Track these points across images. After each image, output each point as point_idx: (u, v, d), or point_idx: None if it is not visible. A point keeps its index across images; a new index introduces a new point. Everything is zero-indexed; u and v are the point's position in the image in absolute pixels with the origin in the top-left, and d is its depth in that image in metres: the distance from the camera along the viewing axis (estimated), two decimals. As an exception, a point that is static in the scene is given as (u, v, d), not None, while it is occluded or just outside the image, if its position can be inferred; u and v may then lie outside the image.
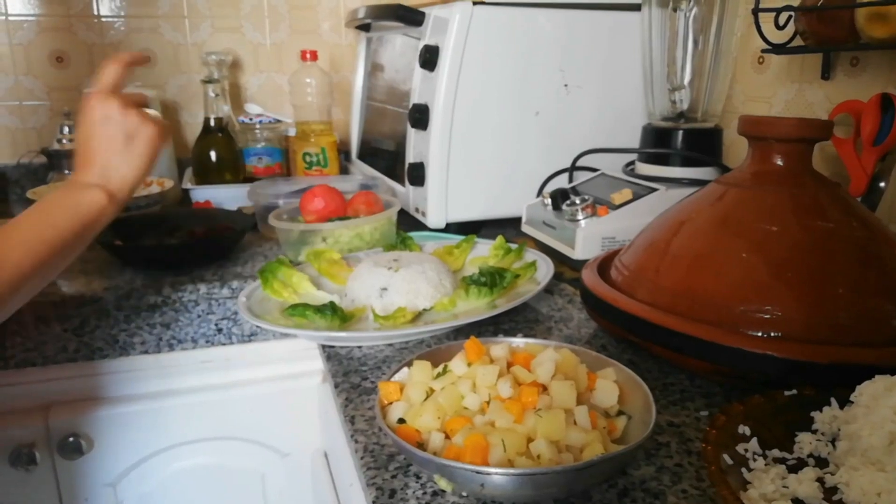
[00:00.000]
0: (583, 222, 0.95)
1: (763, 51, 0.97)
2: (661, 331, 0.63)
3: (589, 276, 0.76)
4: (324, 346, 0.74)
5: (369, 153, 1.48)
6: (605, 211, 0.96)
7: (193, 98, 1.57)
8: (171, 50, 1.55)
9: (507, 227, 1.20)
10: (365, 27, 1.45)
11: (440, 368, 0.52)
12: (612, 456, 0.42)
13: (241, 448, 1.02)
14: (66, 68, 1.49)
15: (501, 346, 0.54)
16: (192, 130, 1.57)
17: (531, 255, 0.91)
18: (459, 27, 1.05)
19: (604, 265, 0.80)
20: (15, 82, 1.46)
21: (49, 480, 0.94)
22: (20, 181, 1.47)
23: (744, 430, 0.47)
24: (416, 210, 1.17)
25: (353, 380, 0.66)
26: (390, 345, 0.73)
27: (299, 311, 0.72)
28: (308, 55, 1.39)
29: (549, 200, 1.04)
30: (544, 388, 0.49)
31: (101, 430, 0.95)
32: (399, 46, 1.32)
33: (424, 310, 0.77)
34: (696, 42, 1.03)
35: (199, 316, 0.95)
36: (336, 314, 0.72)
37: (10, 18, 1.44)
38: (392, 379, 0.54)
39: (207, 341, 0.97)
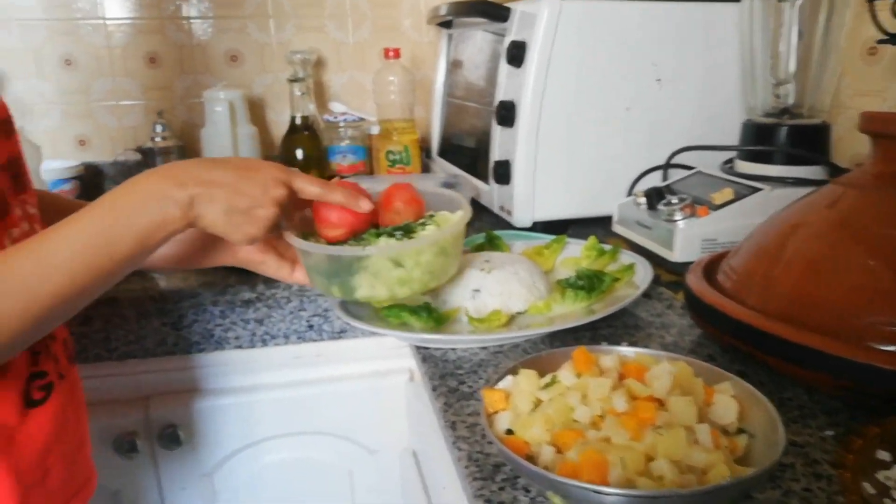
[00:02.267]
0: (681, 223, 0.92)
1: (878, 41, 0.91)
2: (778, 341, 0.59)
3: (695, 281, 0.73)
4: (418, 348, 0.73)
5: (450, 150, 1.47)
6: (704, 211, 0.92)
7: (279, 96, 1.60)
8: (257, 49, 1.58)
9: (594, 227, 1.17)
10: (446, 24, 1.44)
11: (548, 378, 0.51)
12: (744, 480, 0.40)
13: (330, 443, 1.03)
14: (159, 68, 1.55)
15: (611, 357, 0.53)
16: (278, 128, 1.61)
17: (627, 256, 0.88)
18: (548, 22, 1.02)
19: (709, 269, 0.76)
20: (113, 83, 1.52)
21: (149, 468, 0.98)
22: (116, 177, 1.54)
23: (882, 455, 0.44)
24: (502, 209, 1.15)
25: (451, 383, 0.65)
26: (484, 348, 0.72)
27: (394, 313, 0.72)
28: (391, 53, 1.40)
29: (643, 199, 1.01)
30: (661, 403, 0.47)
31: (198, 421, 0.98)
32: (480, 43, 1.30)
33: (518, 313, 0.76)
34: (801, 33, 0.97)
35: (291, 312, 0.97)
36: (431, 316, 0.71)
37: (108, 22, 1.50)
38: (496, 387, 0.53)
39: (299, 337, 0.98)
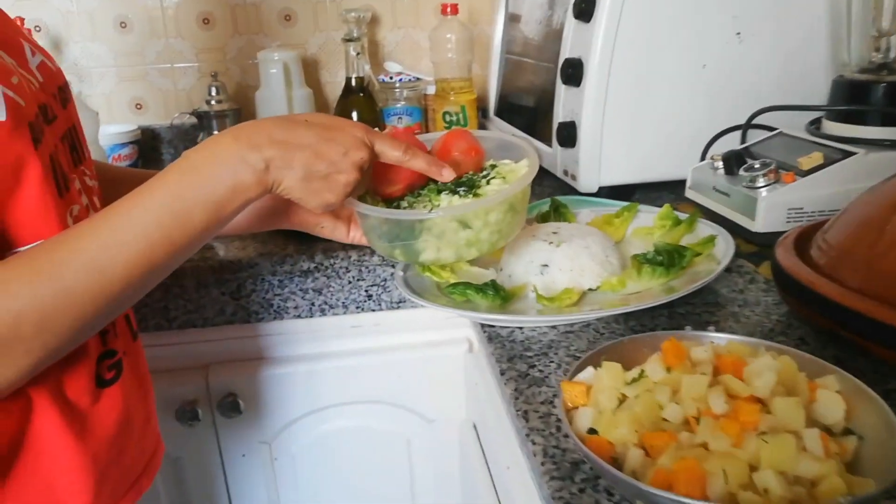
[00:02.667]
0: (764, 190, 0.85)
1: None
2: (884, 327, 0.54)
3: (785, 256, 0.67)
4: (483, 326, 0.70)
5: (507, 109, 1.41)
6: (790, 177, 0.85)
7: (333, 56, 1.56)
8: (310, 8, 1.54)
9: (662, 192, 1.11)
10: (507, -25, 1.37)
11: (635, 373, 0.47)
12: (867, 499, 0.36)
13: (387, 412, 1.02)
14: (213, 30, 1.52)
15: (705, 349, 0.48)
16: (332, 89, 1.57)
17: (705, 227, 0.82)
18: (621, -28, 0.95)
19: (800, 242, 0.70)
20: (166, 44, 1.51)
21: (210, 436, 0.98)
22: (173, 141, 1.53)
23: None
24: (566, 173, 1.10)
25: (520, 367, 0.62)
26: (554, 327, 0.68)
27: (459, 290, 0.68)
28: (448, 9, 1.33)
29: (720, 163, 0.94)
30: (763, 404, 0.42)
31: (257, 390, 0.97)
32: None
33: (590, 289, 0.71)
34: (905, -22, 0.88)
35: (349, 282, 0.95)
36: (498, 294, 0.67)
37: (162, -19, 1.48)
38: (575, 379, 0.49)
39: (357, 307, 0.96)
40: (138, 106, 1.53)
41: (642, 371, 0.47)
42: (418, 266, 0.75)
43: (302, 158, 0.56)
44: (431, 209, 0.64)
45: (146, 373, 0.70)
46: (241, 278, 0.92)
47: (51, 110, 0.58)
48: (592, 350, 0.53)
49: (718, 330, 0.57)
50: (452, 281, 0.74)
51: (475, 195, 0.65)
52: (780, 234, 0.83)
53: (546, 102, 1.17)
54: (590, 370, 0.50)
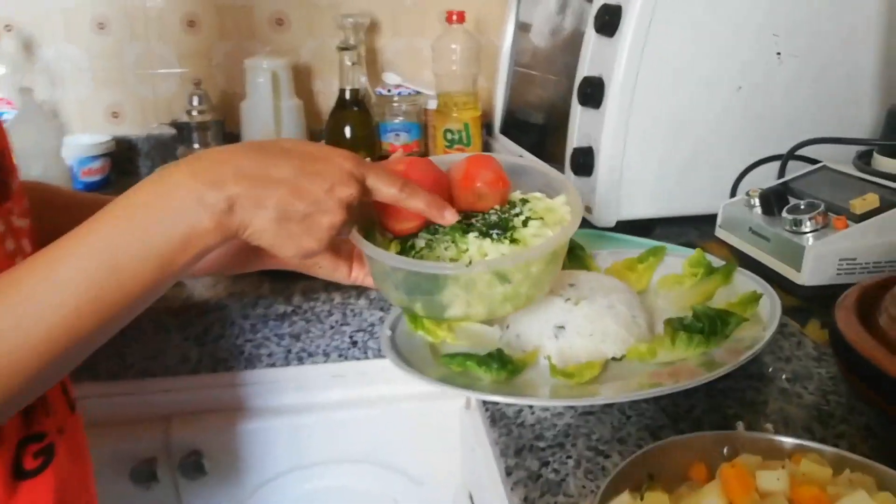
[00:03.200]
0: (811, 237, 0.74)
1: None
2: None
3: (847, 325, 0.56)
4: (485, 403, 0.58)
5: (514, 126, 1.30)
6: (842, 223, 0.73)
7: (327, 64, 1.44)
8: (304, 12, 1.42)
9: (685, 226, 1.00)
10: (518, -18, 1.26)
11: (688, 510, 0.35)
12: None
13: (372, 472, 0.90)
14: (198, 33, 1.40)
15: (778, 477, 0.36)
16: (325, 100, 1.45)
17: (745, 279, 0.70)
18: (650, -18, 0.83)
19: (863, 304, 0.59)
20: (146, 48, 1.39)
21: (171, 499, 0.86)
22: (150, 153, 1.41)
23: None
24: (580, 204, 0.98)
25: (530, 463, 0.50)
26: (572, 407, 0.56)
27: (458, 361, 0.56)
28: (454, 17, 1.22)
29: (756, 200, 0.83)
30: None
31: (224, 447, 0.85)
32: (556, 4, 1.12)
33: (614, 359, 0.60)
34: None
35: (331, 327, 0.83)
36: (504, 368, 0.56)
37: (144, -20, 1.36)
38: (608, 508, 0.37)
39: (340, 355, 0.85)
40: (114, 114, 1.41)
41: (698, 510, 0.35)
42: (409, 320, 0.63)
43: (276, 196, 0.46)
44: (460, 255, 0.53)
45: (86, 452, 0.58)
46: (208, 322, 0.80)
47: None
48: (623, 460, 0.42)
49: (770, 414, 0.46)
50: (450, 340, 0.62)
51: (512, 240, 0.54)
52: (827, 287, 0.73)
53: (555, 119, 1.06)
54: (625, 497, 0.38)
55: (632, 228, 0.95)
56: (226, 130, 1.31)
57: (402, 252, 0.55)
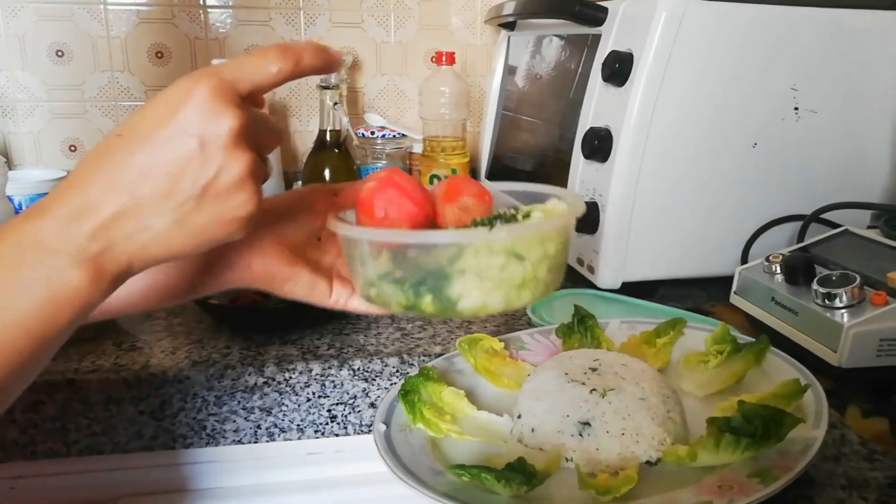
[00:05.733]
0: (846, 313, 0.67)
1: None
2: None
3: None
4: (499, 515, 0.49)
5: (501, 173, 1.23)
6: (881, 299, 0.66)
7: (305, 102, 1.36)
8: (282, 46, 1.35)
9: (690, 288, 0.93)
10: (508, 24, 1.20)
11: None
12: None
13: (349, 563, 0.79)
14: (166, 65, 1.31)
15: None
16: (303, 140, 1.37)
17: (772, 357, 0.63)
18: (666, 29, 0.77)
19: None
20: (110, 79, 1.29)
21: None
22: (112, 191, 1.31)
23: None
24: (581, 262, 0.91)
25: None
26: (602, 521, 0.48)
27: (473, 473, 0.47)
28: (443, 58, 1.15)
29: (778, 267, 0.76)
30: None
31: (180, 535, 0.74)
32: (546, 47, 1.06)
33: (648, 462, 0.51)
34: None
35: (308, 399, 0.73)
36: (529, 482, 0.46)
37: (109, 7, 1.27)
38: None
39: (317, 431, 0.75)
40: (72, 148, 1.31)
41: None
42: (407, 410, 0.54)
43: (154, 194, 0.35)
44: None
45: None
46: (167, 394, 0.70)
47: None
48: None
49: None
50: (454, 436, 0.53)
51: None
52: (864, 371, 0.66)
53: (548, 168, 0.99)
54: None
55: (635, 290, 0.87)
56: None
57: None
